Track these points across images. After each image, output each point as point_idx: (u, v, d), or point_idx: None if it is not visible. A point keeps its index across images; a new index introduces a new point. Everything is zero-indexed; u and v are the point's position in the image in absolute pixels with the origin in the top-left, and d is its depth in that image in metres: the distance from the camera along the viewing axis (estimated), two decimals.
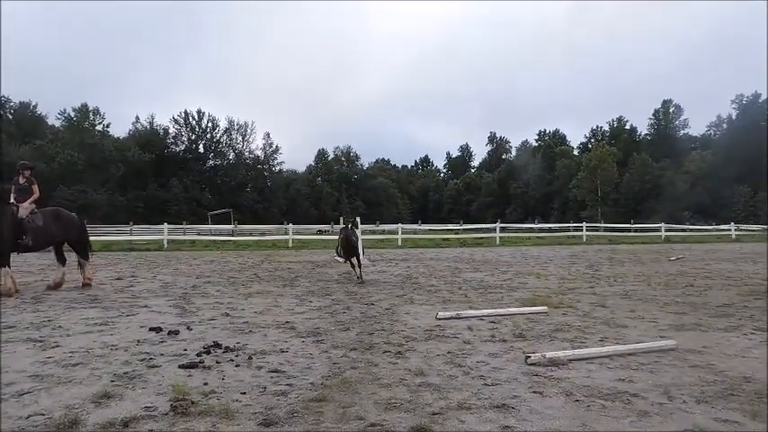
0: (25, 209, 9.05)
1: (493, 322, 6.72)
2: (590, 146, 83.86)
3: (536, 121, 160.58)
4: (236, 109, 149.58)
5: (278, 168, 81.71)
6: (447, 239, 29.76)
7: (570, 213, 66.05)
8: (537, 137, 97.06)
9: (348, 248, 11.79)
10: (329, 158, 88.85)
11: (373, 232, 30.70)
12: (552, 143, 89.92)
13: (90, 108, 66.54)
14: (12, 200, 9.12)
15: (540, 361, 4.73)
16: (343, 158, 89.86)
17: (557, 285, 10.50)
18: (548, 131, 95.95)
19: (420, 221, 38.57)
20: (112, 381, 4.24)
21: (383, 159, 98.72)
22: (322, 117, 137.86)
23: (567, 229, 35.11)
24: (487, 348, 5.39)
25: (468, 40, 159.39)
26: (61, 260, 9.77)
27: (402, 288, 10.14)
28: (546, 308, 7.52)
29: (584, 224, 33.68)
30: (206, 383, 4.19)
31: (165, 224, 25.49)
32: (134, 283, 10.75)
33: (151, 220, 45.62)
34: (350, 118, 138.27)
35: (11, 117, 72.19)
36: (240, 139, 78.88)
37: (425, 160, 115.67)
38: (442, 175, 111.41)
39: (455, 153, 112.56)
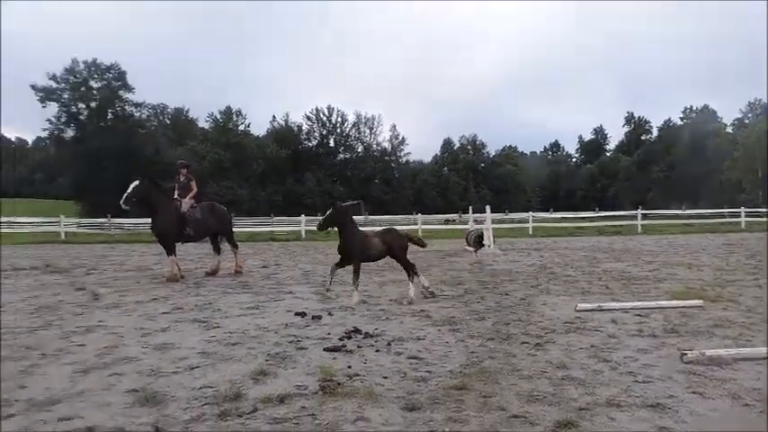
0: (186, 204, 10.12)
1: (639, 315, 6.29)
2: (746, 121, 74.71)
3: (680, 98, 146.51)
4: (364, 103, 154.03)
5: (404, 159, 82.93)
6: (581, 228, 28.33)
7: (725, 197, 59.51)
8: (682, 114, 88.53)
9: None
10: (455, 148, 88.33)
11: (502, 221, 30.09)
12: (701, 120, 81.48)
13: (233, 110, 72.28)
14: (175, 196, 10.24)
15: (699, 359, 4.34)
16: (469, 147, 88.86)
17: (712, 277, 9.55)
18: (694, 108, 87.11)
19: (551, 209, 37.10)
20: (267, 360, 4.61)
21: (510, 146, 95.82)
22: (447, 106, 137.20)
23: (722, 215, 31.73)
24: (635, 343, 5.06)
25: (599, 15, 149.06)
26: (217, 249, 10.78)
27: (536, 278, 9.84)
28: (701, 301, 6.88)
29: (742, 209, 30.22)
30: (349, 366, 4.40)
31: (303, 216, 27.03)
32: (278, 270, 11.55)
33: (289, 212, 48.70)
34: (475, 105, 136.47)
35: (168, 122, 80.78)
36: (368, 132, 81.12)
37: (555, 145, 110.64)
38: (573, 160, 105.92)
39: (587, 136, 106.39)
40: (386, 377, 4.13)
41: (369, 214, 34.22)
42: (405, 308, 7.04)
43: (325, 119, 78.84)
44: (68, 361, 4.62)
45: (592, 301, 7.07)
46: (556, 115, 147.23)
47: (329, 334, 5.55)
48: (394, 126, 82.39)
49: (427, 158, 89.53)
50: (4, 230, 27.18)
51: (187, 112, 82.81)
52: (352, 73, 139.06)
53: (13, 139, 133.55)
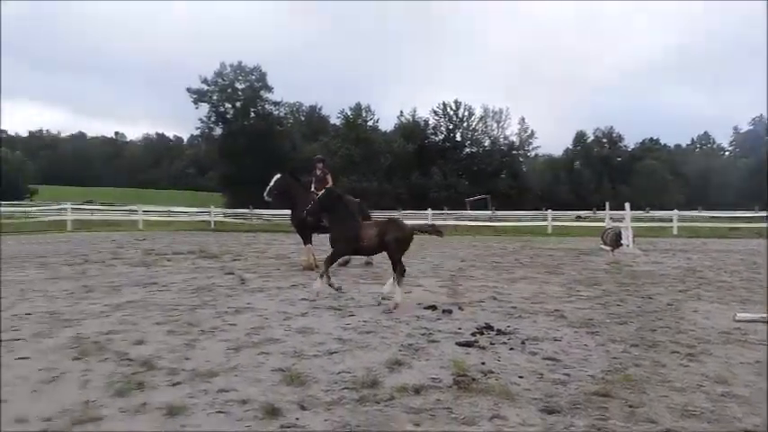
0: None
1: None
2: None
3: None
4: (492, 97, 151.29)
5: (533, 153, 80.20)
6: (736, 228, 25.44)
7: None
8: None
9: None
10: (588, 140, 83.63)
11: (641, 219, 27.96)
12: None
13: (363, 106, 74.56)
14: (312, 189, 10.79)
15: None
16: (604, 140, 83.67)
17: None
18: None
19: (700, 207, 33.75)
20: (400, 350, 4.71)
21: (651, 139, 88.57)
22: (578, 97, 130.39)
23: None
24: None
25: None
26: None
27: (684, 282, 9.02)
28: None
29: None
30: (483, 363, 4.35)
31: (429, 210, 27.20)
32: (406, 263, 11.69)
33: (414, 206, 49.25)
34: (610, 95, 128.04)
35: (303, 119, 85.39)
36: (495, 125, 79.49)
37: (705, 137, 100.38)
38: (726, 153, 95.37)
39: (744, 127, 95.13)
40: (521, 377, 4.02)
41: (495, 209, 33.55)
42: (537, 306, 6.81)
43: (451, 113, 78.42)
44: (223, 338, 5.07)
45: (755, 311, 6.33)
46: (705, 104, 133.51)
47: (460, 329, 5.53)
48: (522, 119, 79.73)
49: (558, 152, 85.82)
50: (164, 218, 30.52)
51: (320, 109, 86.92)
52: (480, 65, 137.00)
53: (171, 138, 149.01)
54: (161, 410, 3.31)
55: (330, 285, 6.90)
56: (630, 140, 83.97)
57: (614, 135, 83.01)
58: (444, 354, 4.61)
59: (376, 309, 6.57)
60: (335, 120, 79.16)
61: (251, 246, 16.31)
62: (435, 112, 78.78)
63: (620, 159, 79.75)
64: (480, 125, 78.90)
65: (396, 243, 6.94)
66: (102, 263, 11.18)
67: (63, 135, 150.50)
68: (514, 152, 78.91)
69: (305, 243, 10.52)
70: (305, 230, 10.45)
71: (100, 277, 9.02)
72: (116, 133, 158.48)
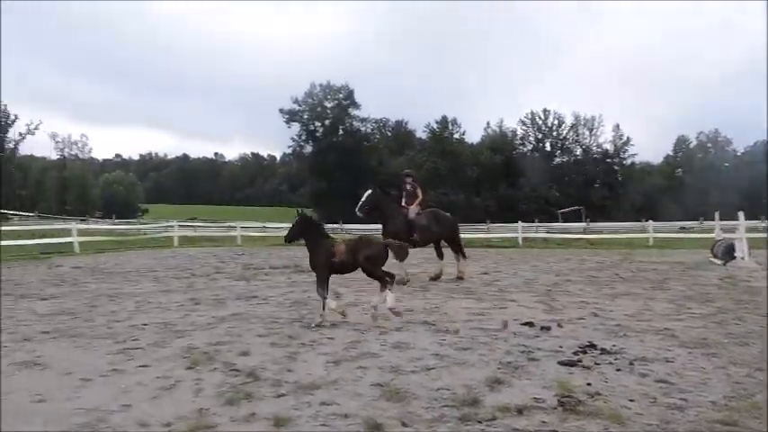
0: (413, 210, 10.68)
1: None
2: None
3: None
4: (583, 103, 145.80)
5: (629, 161, 76.18)
6: None
7: None
8: None
9: None
10: (691, 146, 78.42)
11: (756, 230, 25.66)
12: None
13: (449, 119, 74.48)
14: (402, 203, 10.87)
15: None
16: (708, 144, 78.09)
17: None
18: None
19: None
20: (499, 368, 4.59)
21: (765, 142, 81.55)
22: (677, 99, 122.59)
23: None
24: None
25: None
26: (440, 255, 11.16)
27: None
28: None
29: None
30: (589, 384, 4.14)
31: (520, 222, 26.55)
32: (499, 277, 11.48)
33: (503, 218, 48.27)
34: (714, 95, 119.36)
35: (389, 134, 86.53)
36: (587, 133, 76.53)
37: None
38: None
39: None
40: (632, 400, 3.79)
41: (590, 221, 32.13)
42: (644, 324, 6.41)
43: (540, 122, 76.60)
44: (322, 351, 5.19)
45: None
46: None
47: (561, 347, 5.31)
48: (617, 126, 76.18)
49: (657, 159, 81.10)
50: (260, 234, 31.95)
51: (406, 124, 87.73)
52: (569, 73, 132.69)
53: (265, 157, 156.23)
54: (268, 421, 3.43)
55: (341, 313, 6.70)
56: (739, 144, 77.87)
57: (720, 139, 77.32)
58: (546, 373, 4.44)
59: (471, 324, 6.47)
60: (422, 133, 79.61)
61: None
62: (523, 122, 77.23)
63: (727, 165, 73.99)
64: (571, 133, 76.34)
65: (367, 261, 6.74)
66: (206, 276, 11.87)
67: (169, 157, 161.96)
68: (609, 160, 75.45)
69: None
70: None
71: (205, 290, 9.56)
72: (215, 154, 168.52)
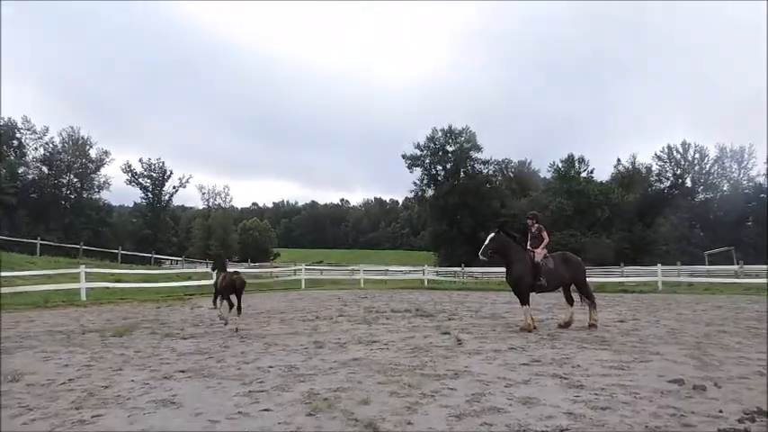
0: (540, 254, 10.13)
1: None
2: None
3: None
4: (729, 134, 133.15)
5: None
6: None
7: None
8: None
9: None
10: None
11: None
12: None
13: (575, 157, 71.50)
14: (528, 246, 10.36)
15: None
16: None
17: None
18: None
19: None
20: None
21: None
22: None
23: None
24: None
25: None
26: (570, 300, 10.42)
27: None
28: None
29: None
30: None
31: (659, 265, 24.33)
32: (638, 326, 10.43)
33: (638, 261, 44.67)
34: None
35: (512, 175, 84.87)
36: (735, 166, 69.39)
37: None
38: None
39: None
40: None
41: (743, 263, 28.57)
42: None
43: (679, 156, 70.97)
44: (443, 403, 4.91)
45: None
46: None
47: (721, 412, 4.56)
48: None
49: None
50: (382, 277, 32.37)
51: (529, 164, 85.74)
52: (709, 101, 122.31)
53: (388, 201, 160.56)
54: None
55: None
56: None
57: None
58: None
59: (608, 379, 5.83)
60: (546, 173, 77.19)
61: (464, 304, 16.23)
62: (659, 157, 72.16)
63: None
64: (716, 167, 69.73)
65: (231, 286, 10.71)
66: (330, 320, 12.09)
67: (299, 204, 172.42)
68: (763, 195, 67.49)
69: (522, 303, 10.04)
70: (522, 290, 10.01)
71: (329, 334, 9.69)
72: (341, 200, 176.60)
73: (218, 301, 11.03)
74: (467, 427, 4.23)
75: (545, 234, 10.43)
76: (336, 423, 4.35)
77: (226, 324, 10.66)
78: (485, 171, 75.75)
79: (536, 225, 10.62)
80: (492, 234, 10.19)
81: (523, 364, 6.77)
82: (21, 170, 65.60)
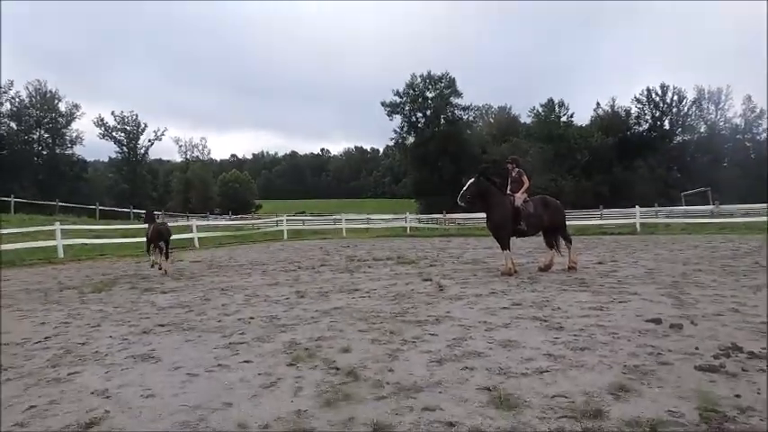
0: (519, 198, 10.08)
1: None
2: None
3: None
4: (706, 76, 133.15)
5: (764, 136, 68.41)
6: None
7: None
8: None
9: None
10: None
11: None
12: None
13: (555, 102, 71.07)
14: (508, 191, 10.30)
15: None
16: None
17: None
18: None
19: None
20: (624, 372, 4.05)
21: None
22: None
23: None
24: None
25: None
26: (550, 244, 10.47)
27: None
28: None
29: None
30: (738, 395, 3.50)
31: (637, 207, 24.63)
32: (616, 267, 10.58)
33: (617, 204, 45.21)
34: None
35: (492, 121, 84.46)
36: (713, 108, 69.72)
37: None
38: None
39: None
40: None
41: (719, 203, 29.08)
42: None
43: (657, 99, 70.85)
44: (424, 349, 4.91)
45: None
46: None
47: (697, 349, 4.62)
48: (748, 97, 68.66)
49: None
50: (364, 226, 32.42)
51: (509, 109, 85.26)
52: (690, 43, 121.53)
53: (369, 150, 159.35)
54: (367, 427, 3.21)
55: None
56: None
57: None
58: (682, 380, 3.84)
59: (587, 320, 5.88)
60: (526, 118, 76.87)
61: (445, 251, 16.32)
62: (638, 100, 71.98)
63: None
64: (694, 110, 69.99)
65: (157, 235, 12.24)
66: (312, 269, 12.06)
67: (279, 155, 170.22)
68: (739, 137, 68.36)
69: (503, 248, 10.07)
70: (502, 235, 10.02)
71: (311, 284, 9.67)
72: (322, 150, 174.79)
73: (150, 249, 12.49)
74: (447, 372, 4.23)
75: (525, 178, 10.37)
76: (317, 372, 4.32)
77: (158, 268, 12.12)
78: (465, 117, 75.12)
79: (516, 169, 10.54)
80: (471, 179, 10.09)
81: (504, 307, 6.81)
82: None
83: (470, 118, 76.78)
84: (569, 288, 8.21)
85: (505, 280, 9.34)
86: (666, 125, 71.29)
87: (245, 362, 4.70)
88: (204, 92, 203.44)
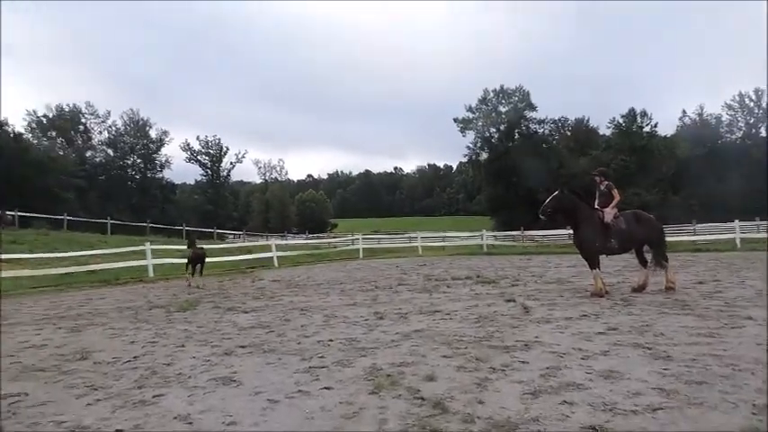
0: (609, 213, 9.42)
1: None
2: None
3: None
4: None
5: None
6: None
7: None
8: None
9: None
10: None
11: None
12: None
13: (637, 112, 67.83)
14: (596, 205, 9.67)
15: None
16: None
17: None
18: None
19: None
20: (754, 413, 3.50)
21: None
22: None
23: None
24: None
25: None
26: (643, 262, 9.71)
27: None
28: None
29: None
30: None
31: (737, 221, 22.74)
32: (720, 288, 9.64)
33: (710, 218, 42.15)
34: None
35: (569, 134, 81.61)
36: None
37: None
38: None
39: None
40: None
41: None
42: None
43: (752, 105, 66.06)
44: (515, 379, 4.53)
45: None
46: None
47: None
48: None
49: None
50: (440, 244, 32.00)
51: (587, 121, 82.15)
52: None
53: (441, 167, 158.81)
54: None
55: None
56: None
57: None
58: None
59: (697, 348, 5.26)
60: (605, 130, 73.87)
61: (526, 269, 15.66)
62: (729, 107, 67.45)
63: None
64: None
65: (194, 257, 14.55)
66: (389, 288, 11.86)
67: (353, 174, 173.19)
68: None
69: (591, 267, 9.42)
70: (590, 253, 9.38)
71: (389, 304, 9.44)
72: (395, 168, 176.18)
73: (188, 268, 14.63)
74: (544, 406, 3.83)
75: (615, 192, 9.69)
76: (401, 402, 4.05)
77: (188, 284, 14.18)
78: (540, 131, 73.27)
79: (605, 182, 9.89)
80: (555, 193, 9.57)
81: (599, 332, 6.27)
82: (88, 154, 68.75)
83: (546, 131, 74.76)
84: (670, 311, 7.50)
85: (596, 301, 8.71)
86: (763, 132, 66.19)
87: (326, 388, 4.51)
88: (280, 113, 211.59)
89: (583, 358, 5.12)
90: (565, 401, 3.91)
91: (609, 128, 71.77)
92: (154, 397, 4.51)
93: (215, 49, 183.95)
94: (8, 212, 30.30)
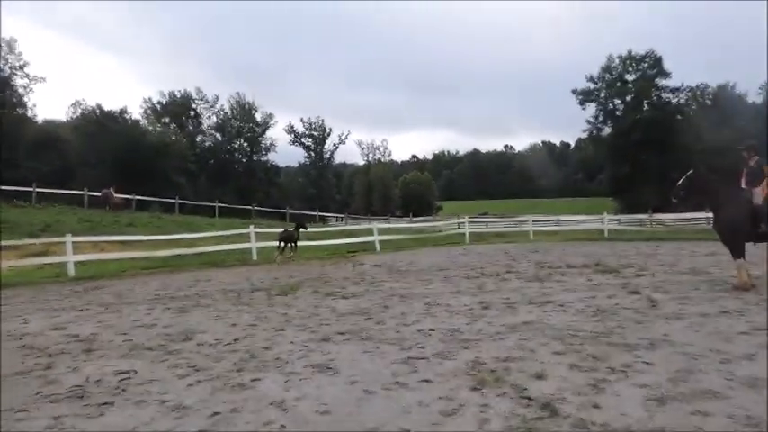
0: (758, 194, 8.48)
1: None
2: None
3: None
4: None
5: None
6: None
7: None
8: None
9: None
10: None
11: None
12: None
13: None
14: (743, 184, 8.76)
15: None
16: None
17: None
18: None
19: None
20: None
21: None
22: None
23: None
24: None
25: None
26: None
27: None
28: None
29: None
30: None
31: None
32: None
33: None
34: None
35: (709, 103, 74.86)
36: None
37: None
38: None
39: None
40: None
41: None
42: None
43: None
44: (638, 382, 4.22)
45: None
46: None
47: None
48: None
49: None
50: (554, 228, 30.88)
51: (733, 87, 74.77)
52: None
53: (557, 144, 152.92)
54: None
55: None
56: None
57: None
58: None
59: None
60: (755, 96, 66.94)
61: (655, 257, 14.62)
62: None
63: None
64: None
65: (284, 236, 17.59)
66: (497, 276, 11.60)
67: (460, 153, 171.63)
68: None
69: (734, 256, 8.56)
70: (735, 239, 8.51)
71: (496, 293, 9.23)
72: (505, 146, 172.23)
73: (280, 246, 17.36)
74: (673, 415, 3.53)
75: (767, 170, 8.69)
76: (505, 401, 3.92)
77: (277, 261, 16.82)
78: (674, 101, 67.81)
79: (755, 157, 8.89)
80: (690, 171, 8.78)
81: (742, 332, 5.70)
82: (198, 138, 73.91)
83: (681, 101, 69.08)
84: None
85: (739, 296, 7.92)
86: None
87: (425, 381, 4.48)
88: (383, 92, 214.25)
89: (721, 362, 4.67)
90: (698, 411, 3.58)
91: (760, 94, 64.96)
92: (251, 381, 4.73)
93: (315, 30, 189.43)
94: (126, 196, 33.45)
